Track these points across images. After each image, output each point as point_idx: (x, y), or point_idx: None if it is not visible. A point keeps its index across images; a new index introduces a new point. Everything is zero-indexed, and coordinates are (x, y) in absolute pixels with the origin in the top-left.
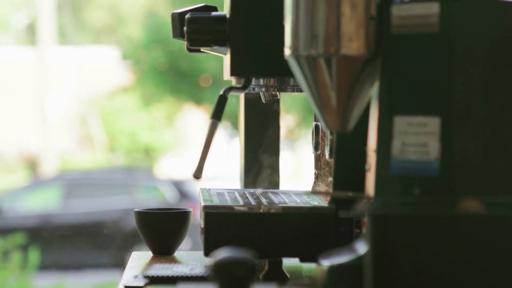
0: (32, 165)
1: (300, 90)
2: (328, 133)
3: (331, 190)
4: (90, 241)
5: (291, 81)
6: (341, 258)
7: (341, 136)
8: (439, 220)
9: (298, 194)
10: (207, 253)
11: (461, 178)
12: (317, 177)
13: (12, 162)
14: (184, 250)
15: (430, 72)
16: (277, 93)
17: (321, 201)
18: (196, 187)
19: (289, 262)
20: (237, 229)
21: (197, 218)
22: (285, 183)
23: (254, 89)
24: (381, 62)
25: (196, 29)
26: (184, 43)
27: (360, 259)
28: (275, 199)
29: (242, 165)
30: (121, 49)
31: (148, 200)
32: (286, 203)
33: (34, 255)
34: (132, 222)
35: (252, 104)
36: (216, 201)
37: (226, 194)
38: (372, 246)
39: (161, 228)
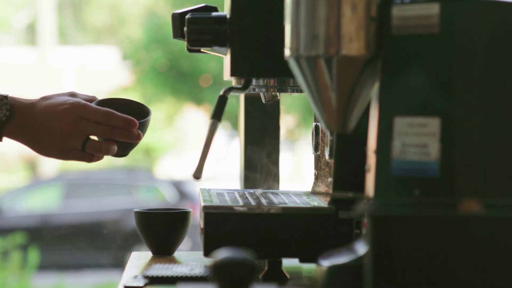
0: (32, 165)
1: (300, 91)
2: (328, 133)
3: (331, 191)
4: (90, 241)
5: (291, 82)
6: (341, 259)
7: (341, 136)
8: (439, 221)
9: (298, 194)
10: (207, 253)
11: (461, 179)
12: (317, 177)
13: (12, 162)
14: (184, 250)
15: (431, 73)
16: (277, 93)
17: (321, 202)
18: (196, 188)
19: (289, 263)
20: (237, 230)
21: (197, 218)
22: (285, 183)
23: (254, 89)
24: (382, 63)
25: (196, 30)
26: (184, 44)
27: (360, 259)
28: (275, 199)
29: (242, 165)
30: (121, 49)
31: (148, 200)
32: (286, 203)
33: (34, 255)
34: (132, 222)
35: (252, 104)
36: (216, 202)
37: (226, 194)
38: (372, 247)
39: (161, 228)
